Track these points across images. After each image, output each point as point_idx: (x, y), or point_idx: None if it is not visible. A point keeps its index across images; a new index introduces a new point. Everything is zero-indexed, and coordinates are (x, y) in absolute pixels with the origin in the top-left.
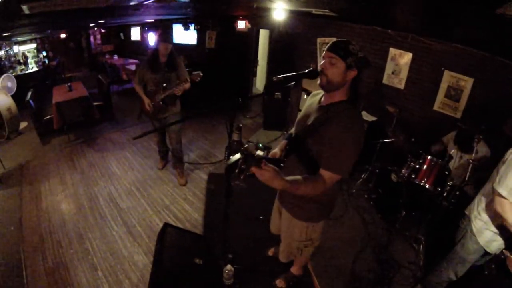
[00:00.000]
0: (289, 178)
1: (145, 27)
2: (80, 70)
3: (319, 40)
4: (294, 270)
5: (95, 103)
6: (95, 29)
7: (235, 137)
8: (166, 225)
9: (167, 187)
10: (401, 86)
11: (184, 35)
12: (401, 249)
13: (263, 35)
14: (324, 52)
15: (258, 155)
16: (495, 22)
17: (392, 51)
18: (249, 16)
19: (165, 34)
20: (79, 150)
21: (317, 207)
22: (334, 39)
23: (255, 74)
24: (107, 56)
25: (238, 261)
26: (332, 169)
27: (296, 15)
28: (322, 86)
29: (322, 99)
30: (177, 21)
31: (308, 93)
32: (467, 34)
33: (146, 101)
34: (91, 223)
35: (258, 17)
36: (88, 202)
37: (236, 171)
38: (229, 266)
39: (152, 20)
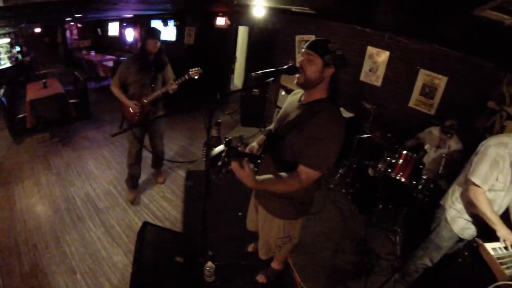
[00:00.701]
0: (262, 178)
1: (123, 23)
2: (55, 66)
3: (297, 37)
4: (275, 265)
5: (71, 101)
6: (72, 23)
7: (213, 132)
8: (146, 224)
9: (145, 185)
10: (378, 83)
11: (163, 31)
12: (379, 241)
13: (242, 32)
14: (303, 49)
15: (240, 151)
16: (469, 24)
17: (370, 49)
18: (229, 12)
19: (154, 29)
20: (54, 149)
21: (294, 204)
22: (313, 37)
23: (233, 71)
24: (83, 52)
25: (219, 258)
26: (312, 166)
27: (275, 12)
28: (299, 84)
29: (302, 97)
30: (156, 16)
31: (286, 90)
32: (443, 35)
33: (131, 104)
34: (68, 225)
35: (238, 13)
36: (64, 203)
37: (219, 163)
38: (209, 263)
39: (131, 16)
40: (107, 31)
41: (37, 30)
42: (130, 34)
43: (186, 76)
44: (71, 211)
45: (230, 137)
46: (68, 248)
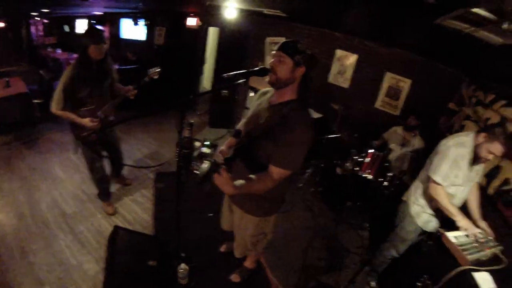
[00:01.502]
0: (239, 183)
1: (92, 20)
2: (19, 64)
3: (268, 39)
4: (248, 264)
5: (35, 101)
6: (38, 19)
7: (186, 133)
8: (117, 228)
9: (114, 189)
10: (346, 85)
11: (133, 30)
12: (348, 236)
13: (212, 33)
14: (274, 51)
15: (219, 161)
16: (433, 31)
17: (339, 52)
18: (200, 13)
19: (96, 30)
20: (17, 152)
21: (268, 201)
22: (283, 39)
23: (202, 73)
24: (49, 50)
25: (192, 259)
26: (282, 166)
27: (247, 14)
28: (271, 83)
29: (273, 97)
30: (126, 15)
31: (255, 91)
32: (408, 40)
33: (88, 123)
34: (34, 233)
35: (210, 14)
36: (29, 210)
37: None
38: (183, 265)
39: (101, 13)
40: (74, 28)
41: (0, 25)
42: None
43: (146, 79)
44: (37, 218)
45: (215, 159)
46: (35, 257)
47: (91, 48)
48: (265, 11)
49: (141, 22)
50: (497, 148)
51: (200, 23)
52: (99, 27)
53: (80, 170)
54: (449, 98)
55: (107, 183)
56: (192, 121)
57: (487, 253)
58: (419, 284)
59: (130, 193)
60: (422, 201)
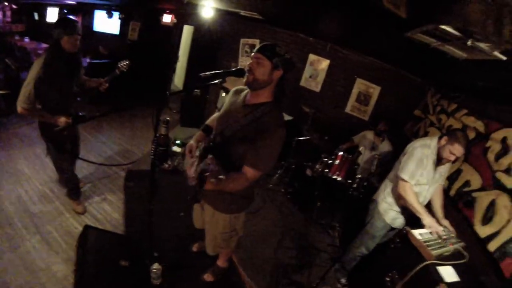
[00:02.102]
0: (215, 180)
1: (64, 9)
2: None
3: (242, 40)
4: (220, 262)
5: (0, 92)
6: (6, 3)
7: (162, 131)
8: (87, 228)
9: (86, 188)
10: (317, 89)
11: (107, 23)
12: (318, 236)
13: (187, 31)
14: (253, 53)
15: (204, 169)
16: (401, 42)
17: (312, 56)
18: (176, 10)
19: (71, 20)
20: None
21: (237, 199)
22: (257, 41)
23: (174, 71)
24: (16, 38)
25: (164, 259)
26: (256, 167)
27: (224, 14)
28: (248, 84)
29: (247, 97)
30: (101, 7)
31: (227, 91)
32: (379, 49)
33: (62, 121)
34: None
35: (186, 12)
36: None
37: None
38: (156, 265)
39: (74, 3)
40: (45, 16)
41: None
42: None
43: (117, 71)
44: (1, 218)
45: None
46: (0, 260)
47: (64, 39)
48: (242, 12)
49: (116, 15)
50: (457, 149)
51: (175, 20)
52: (71, 17)
53: (47, 166)
54: (415, 106)
55: (76, 182)
56: (168, 118)
57: (450, 248)
58: (387, 279)
59: (101, 192)
60: (390, 199)
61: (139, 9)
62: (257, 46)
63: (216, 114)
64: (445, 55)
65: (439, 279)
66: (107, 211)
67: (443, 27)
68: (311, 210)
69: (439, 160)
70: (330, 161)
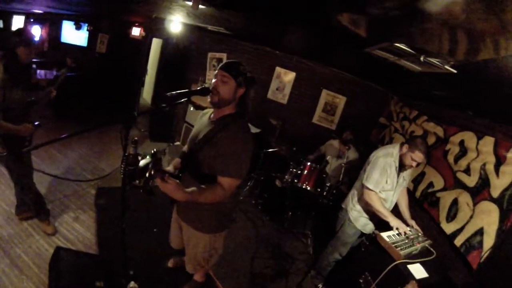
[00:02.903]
0: (189, 189)
1: (31, 18)
2: None
3: (210, 54)
4: (197, 277)
5: None
6: None
7: (130, 150)
8: (58, 249)
9: (53, 206)
10: (284, 101)
11: (75, 35)
12: (291, 244)
13: (155, 44)
14: (217, 71)
15: (163, 168)
16: (363, 56)
17: (278, 69)
18: (145, 24)
19: (27, 31)
20: None
21: (217, 218)
22: (225, 55)
23: (143, 84)
24: None
25: (141, 277)
26: (229, 175)
27: (192, 29)
28: (213, 103)
29: (212, 115)
30: (69, 17)
31: (195, 106)
32: (342, 62)
33: (27, 128)
34: None
35: (155, 26)
36: None
37: (147, 175)
38: (132, 284)
39: (41, 12)
40: (10, 24)
41: None
42: (37, 32)
43: (62, 76)
44: None
45: (155, 149)
46: None
47: (21, 49)
48: (209, 27)
49: (84, 27)
50: (418, 156)
51: (144, 33)
52: (36, 26)
53: (12, 185)
54: (379, 113)
55: (43, 200)
56: (136, 138)
57: (417, 247)
58: (361, 281)
59: (71, 211)
60: (359, 207)
61: (108, 21)
62: (224, 61)
63: None
64: (402, 68)
65: (409, 276)
66: (78, 230)
67: (398, 44)
68: (283, 219)
69: (401, 167)
70: (299, 171)
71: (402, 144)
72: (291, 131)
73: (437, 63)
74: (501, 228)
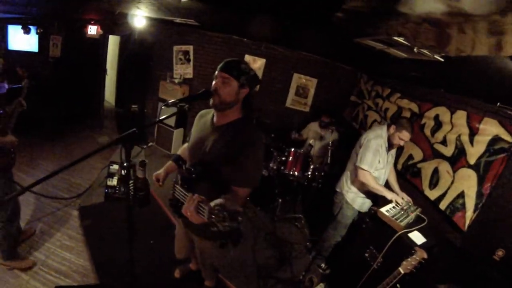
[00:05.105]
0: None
1: None
2: None
3: (175, 48)
4: (208, 283)
5: None
6: None
7: (139, 174)
8: None
9: (35, 238)
10: (256, 88)
11: (23, 40)
12: (287, 230)
13: (112, 42)
14: (216, 72)
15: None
16: (331, 39)
17: (247, 57)
18: (102, 20)
19: None
20: None
21: None
22: (191, 47)
23: (104, 86)
24: None
25: None
26: (245, 185)
27: (155, 23)
28: (214, 106)
29: (215, 119)
30: (15, 21)
31: (165, 102)
32: (312, 45)
33: (13, 140)
34: None
35: (113, 22)
36: None
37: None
38: None
39: None
40: None
41: None
42: None
43: (25, 88)
44: None
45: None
46: None
47: None
48: (178, 20)
49: (33, 30)
50: (405, 135)
51: (101, 32)
52: None
53: None
54: (351, 92)
55: (19, 229)
56: (146, 160)
57: (412, 216)
58: (366, 255)
59: (54, 238)
60: (354, 188)
61: (59, 22)
62: (191, 54)
63: (186, 144)
64: (387, 55)
65: (412, 243)
66: (69, 259)
67: (397, 38)
68: (274, 208)
69: (390, 146)
70: (283, 158)
71: (389, 126)
72: (267, 118)
73: (428, 53)
74: (480, 190)
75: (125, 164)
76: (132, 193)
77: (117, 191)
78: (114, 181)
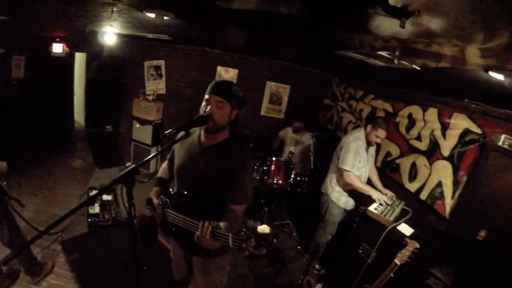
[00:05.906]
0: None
1: None
2: None
3: (146, 63)
4: None
5: None
6: None
7: (147, 213)
8: None
9: (22, 283)
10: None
11: None
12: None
13: (79, 59)
14: (208, 95)
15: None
16: (302, 46)
17: (220, 69)
18: (68, 37)
19: None
20: None
21: None
22: (162, 62)
23: (73, 106)
24: None
25: None
26: (245, 202)
27: (126, 39)
28: (209, 130)
29: (202, 139)
30: None
31: (140, 121)
32: (283, 53)
33: (3, 164)
34: None
35: (80, 39)
36: None
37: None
38: None
39: None
40: None
41: None
42: None
43: None
44: None
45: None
46: None
47: None
48: (150, 35)
49: None
50: (381, 132)
51: (67, 49)
52: None
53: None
54: (324, 96)
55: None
56: (154, 199)
57: (397, 210)
58: (360, 251)
59: (43, 280)
60: (338, 188)
61: (21, 40)
62: (163, 67)
63: (165, 165)
64: (365, 64)
65: (402, 236)
66: None
67: (381, 53)
68: (261, 216)
69: (368, 144)
70: (265, 168)
71: (365, 126)
72: (242, 128)
73: (407, 63)
74: (456, 179)
75: (128, 205)
76: (138, 232)
77: (101, 219)
78: (96, 209)
